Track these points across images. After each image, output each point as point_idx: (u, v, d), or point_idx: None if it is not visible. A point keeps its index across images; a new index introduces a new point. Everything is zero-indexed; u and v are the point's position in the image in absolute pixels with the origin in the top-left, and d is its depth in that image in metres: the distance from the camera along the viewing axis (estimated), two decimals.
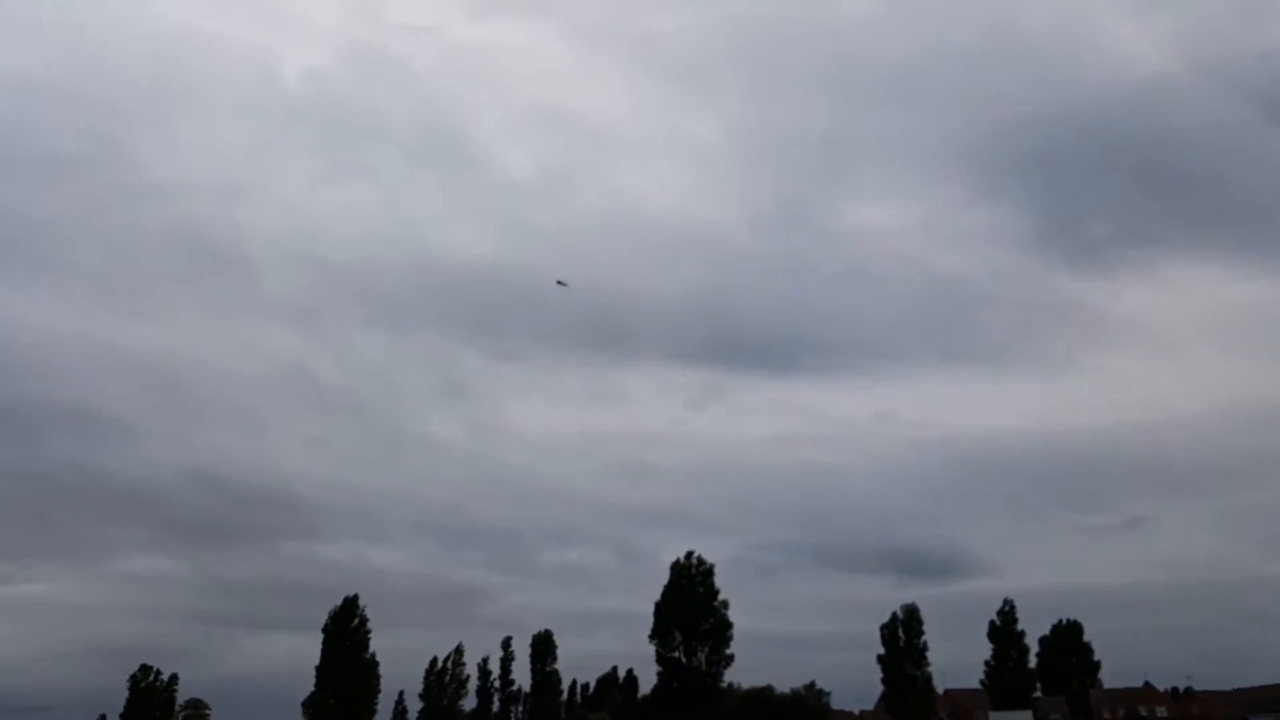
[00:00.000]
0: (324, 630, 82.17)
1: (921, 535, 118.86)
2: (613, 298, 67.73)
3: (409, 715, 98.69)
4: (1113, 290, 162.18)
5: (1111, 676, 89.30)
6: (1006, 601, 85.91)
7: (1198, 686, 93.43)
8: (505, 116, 57.84)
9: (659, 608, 74.84)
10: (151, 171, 49.29)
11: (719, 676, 74.68)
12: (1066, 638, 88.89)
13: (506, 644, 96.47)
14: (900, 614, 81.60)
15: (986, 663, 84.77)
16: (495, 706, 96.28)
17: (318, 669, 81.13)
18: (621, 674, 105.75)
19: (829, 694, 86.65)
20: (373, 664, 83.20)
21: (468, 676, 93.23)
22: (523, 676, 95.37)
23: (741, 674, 78.16)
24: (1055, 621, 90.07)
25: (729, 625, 74.63)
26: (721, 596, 74.54)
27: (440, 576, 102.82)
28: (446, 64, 55.34)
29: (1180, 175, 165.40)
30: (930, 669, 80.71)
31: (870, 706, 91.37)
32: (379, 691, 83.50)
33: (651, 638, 74.32)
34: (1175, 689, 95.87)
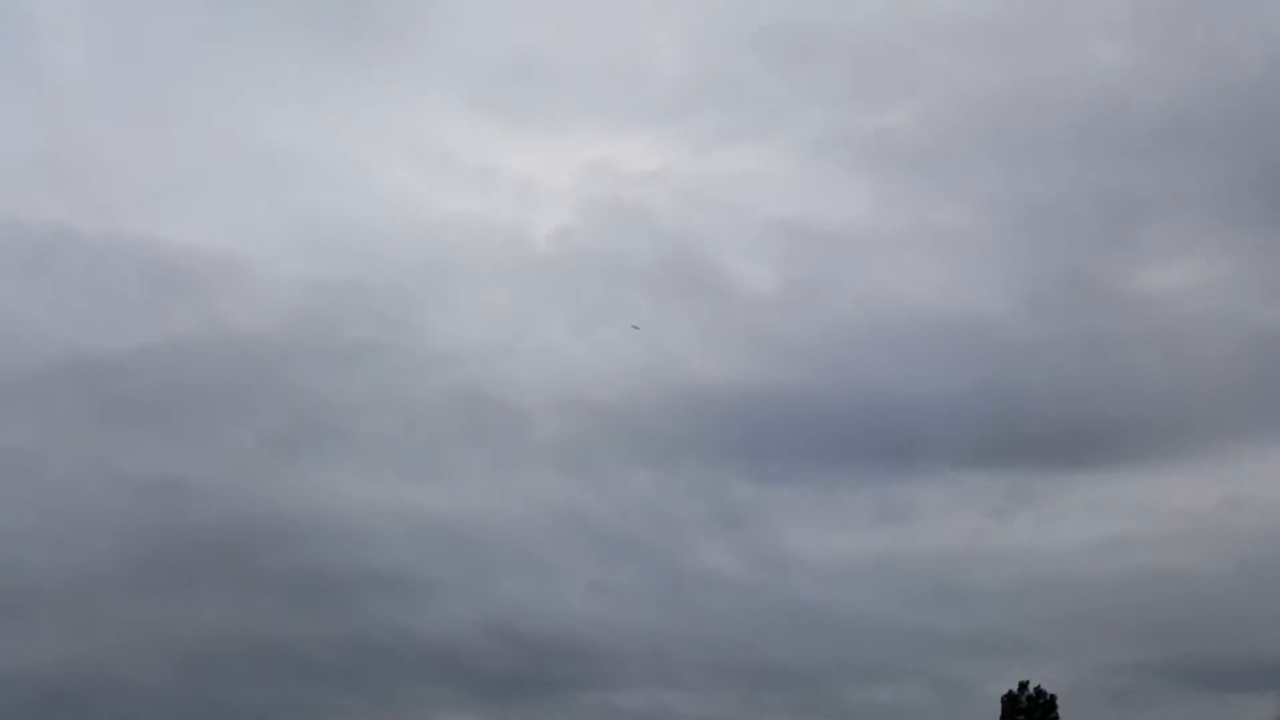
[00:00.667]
0: None
1: None
2: (885, 404, 63.58)
3: None
4: None
5: None
6: None
7: None
8: (743, 238, 58.19)
9: None
10: (433, 344, 52.96)
11: None
12: None
13: None
14: None
15: None
16: None
17: None
18: None
19: None
20: None
21: None
22: None
23: None
24: None
25: None
26: None
27: None
28: (679, 200, 56.91)
29: None
30: None
31: None
32: None
33: None
34: None
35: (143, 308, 41.21)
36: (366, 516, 43.70)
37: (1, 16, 45.59)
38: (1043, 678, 66.01)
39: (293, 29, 48.30)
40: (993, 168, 70.03)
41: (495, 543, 53.96)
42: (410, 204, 49.86)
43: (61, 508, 37.49)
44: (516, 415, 49.07)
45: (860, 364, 62.21)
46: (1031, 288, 71.73)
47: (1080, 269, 73.48)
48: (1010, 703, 68.71)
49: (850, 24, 57.28)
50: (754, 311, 59.20)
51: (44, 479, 37.99)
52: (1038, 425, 69.45)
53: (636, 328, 56.45)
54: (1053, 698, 70.80)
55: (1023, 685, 70.32)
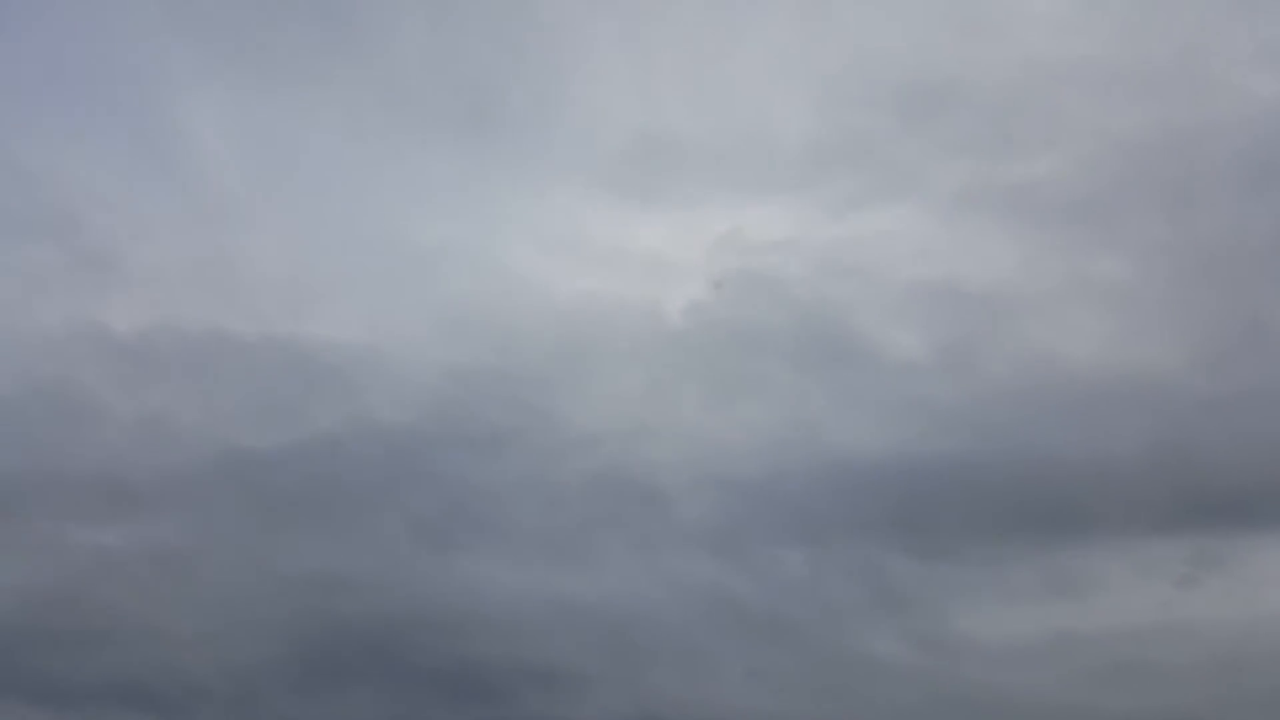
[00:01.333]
0: None
1: None
2: (1051, 470, 60.31)
3: None
4: None
5: None
6: None
7: None
8: (885, 302, 55.97)
9: None
10: (572, 427, 53.13)
11: None
12: None
13: None
14: None
15: None
16: None
17: None
18: None
19: None
20: None
21: None
22: None
23: None
24: None
25: None
26: None
27: None
28: (815, 267, 55.84)
29: None
30: None
31: None
32: None
33: None
34: None
35: (292, 404, 42.09)
36: (513, 606, 43.03)
37: (157, 131, 47.79)
38: None
39: (425, 129, 49.61)
40: (1151, 215, 66.16)
41: (645, 630, 52.35)
42: (544, 287, 50.32)
43: (218, 606, 37.96)
44: (659, 496, 48.10)
45: (1020, 428, 58.81)
46: (1204, 340, 66.95)
47: (1256, 317, 68.34)
48: None
49: (983, 76, 55.42)
50: (901, 378, 56.68)
51: (200, 578, 38.67)
52: (1221, 485, 64.16)
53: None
54: None
55: None
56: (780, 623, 51.16)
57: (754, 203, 57.26)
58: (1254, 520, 59.44)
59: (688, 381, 57.67)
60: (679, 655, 49.30)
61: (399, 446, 41.46)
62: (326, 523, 40.27)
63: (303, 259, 46.33)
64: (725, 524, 52.45)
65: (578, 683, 45.39)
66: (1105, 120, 62.80)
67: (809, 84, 59.17)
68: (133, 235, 45.00)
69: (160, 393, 41.35)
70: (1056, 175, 65.32)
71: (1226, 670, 57.06)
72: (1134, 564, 60.10)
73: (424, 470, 41.93)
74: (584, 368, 51.83)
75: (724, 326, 59.68)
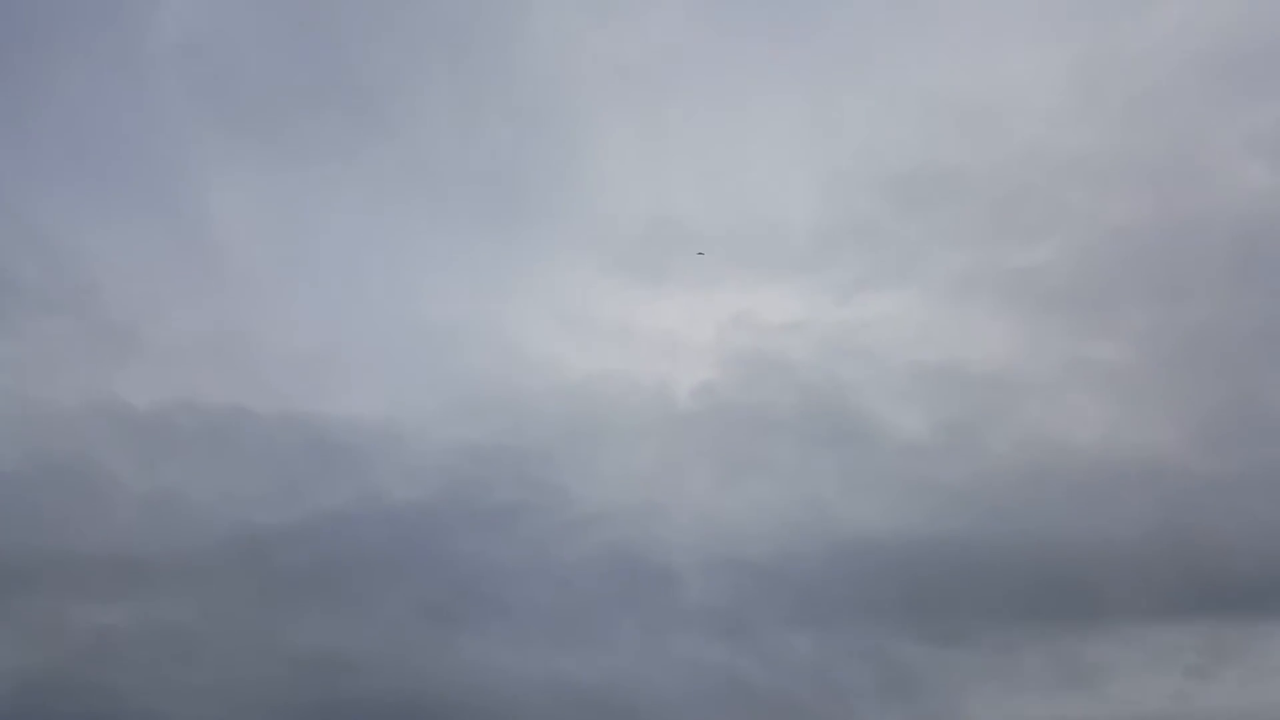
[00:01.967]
0: None
1: None
2: (1057, 553, 59.63)
3: None
4: None
5: None
6: None
7: None
8: (889, 384, 57.22)
9: None
10: (581, 505, 53.45)
11: None
12: None
13: None
14: None
15: None
16: None
17: None
18: None
19: None
20: None
21: None
22: None
23: None
24: None
25: None
26: None
27: None
28: (822, 349, 57.22)
29: None
30: None
31: None
32: None
33: None
34: None
35: (305, 482, 41.94)
36: (520, 687, 42.47)
37: (182, 207, 48.41)
38: None
39: (445, 210, 50.65)
40: (1148, 300, 67.21)
41: (653, 712, 51.59)
42: (557, 366, 50.79)
43: (221, 689, 37.29)
44: (668, 576, 47.86)
45: (1027, 511, 58.66)
46: (1204, 423, 67.22)
47: (1254, 399, 68.78)
48: None
49: (984, 166, 56.92)
50: (908, 458, 56.86)
51: (204, 659, 37.96)
52: (1231, 571, 63.67)
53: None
54: None
55: None
56: (789, 707, 50.35)
57: (762, 284, 58.02)
58: (1265, 607, 58.51)
59: (697, 460, 57.74)
60: None
61: (409, 524, 41.27)
62: (334, 602, 39.88)
63: (321, 336, 46.74)
64: (733, 605, 51.98)
65: None
66: (1102, 209, 64.16)
67: (816, 172, 60.54)
68: (154, 310, 45.21)
69: (174, 469, 41.14)
70: (1055, 262, 66.28)
71: None
72: (1144, 652, 59.03)
73: (433, 549, 41.75)
74: (595, 446, 51.97)
75: (733, 406, 60.03)
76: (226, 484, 40.61)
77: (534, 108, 52.03)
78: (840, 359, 61.63)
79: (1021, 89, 57.79)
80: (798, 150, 56.17)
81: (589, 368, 50.77)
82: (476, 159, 51.05)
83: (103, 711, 35.98)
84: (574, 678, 44.08)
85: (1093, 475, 65.70)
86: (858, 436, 60.90)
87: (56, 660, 36.34)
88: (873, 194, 55.41)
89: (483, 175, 50.70)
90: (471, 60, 52.37)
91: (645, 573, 48.22)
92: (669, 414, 54.11)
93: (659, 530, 49.89)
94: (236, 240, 47.20)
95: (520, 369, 47.79)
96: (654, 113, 54.12)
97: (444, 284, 48.59)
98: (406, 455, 42.75)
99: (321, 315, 47.03)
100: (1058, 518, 61.56)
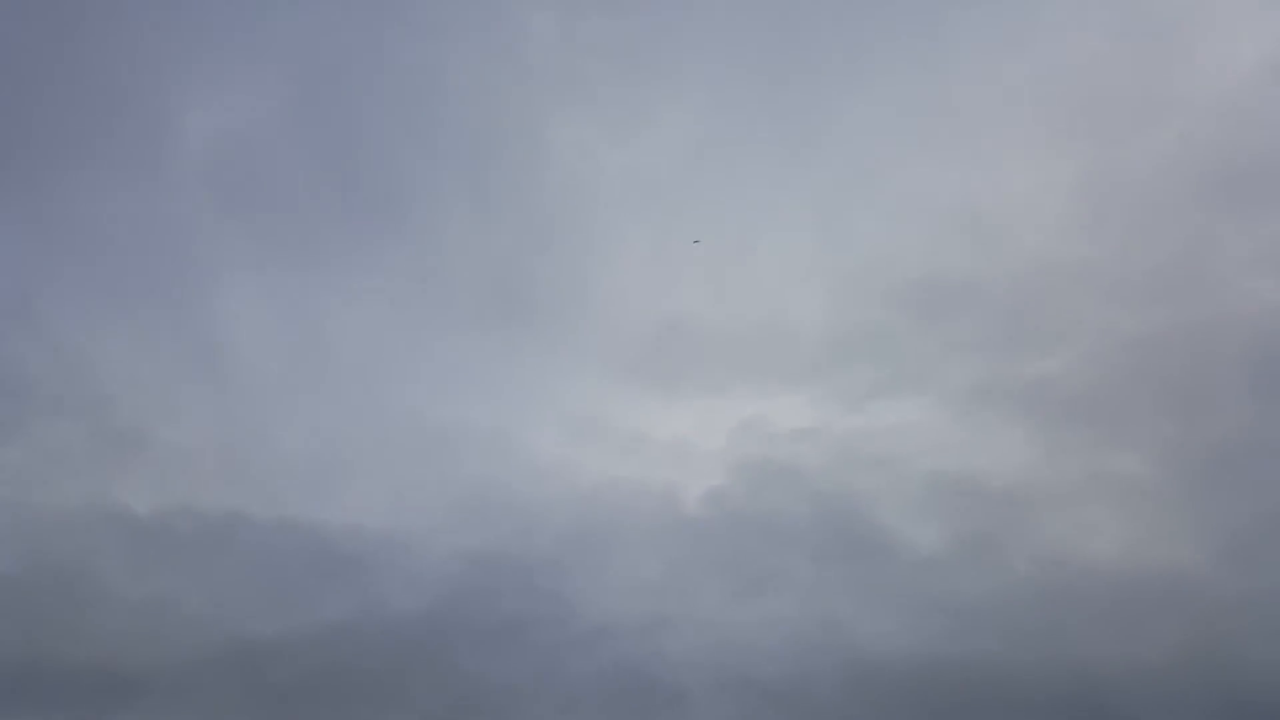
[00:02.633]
0: None
1: None
2: (1079, 673, 58.12)
3: None
4: None
5: None
6: None
7: None
8: (904, 495, 57.03)
9: None
10: (588, 618, 52.68)
11: None
12: None
13: None
14: None
15: None
16: None
17: None
18: None
19: None
20: None
21: None
22: None
23: None
24: None
25: None
26: None
27: None
28: (834, 458, 57.36)
29: None
30: None
31: None
32: None
33: None
34: None
35: (304, 591, 41.09)
36: None
37: (194, 314, 48.64)
38: None
39: (455, 315, 50.84)
40: (1162, 411, 66.43)
41: None
42: (564, 472, 50.24)
43: None
44: (676, 694, 46.44)
45: (1046, 630, 56.85)
46: (1225, 537, 65.58)
47: (1275, 513, 67.46)
48: None
49: (996, 276, 57.09)
50: (923, 573, 55.54)
51: None
52: (1263, 690, 61.33)
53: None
54: None
55: None
56: None
57: (773, 392, 57.80)
58: None
59: (707, 571, 56.55)
60: None
61: (410, 637, 40.19)
62: (329, 716, 38.67)
63: (326, 442, 46.39)
64: None
65: None
66: (1114, 319, 64.04)
67: (827, 280, 60.91)
68: (161, 416, 45.00)
69: (172, 576, 40.37)
70: (1071, 371, 65.78)
71: None
72: None
73: (435, 662, 40.60)
74: (602, 554, 51.08)
75: (743, 514, 59.02)
76: (223, 591, 39.79)
77: (548, 216, 52.75)
78: (852, 467, 60.87)
79: (1029, 200, 58.37)
80: (808, 259, 56.62)
81: (597, 474, 50.26)
82: (488, 265, 51.56)
83: None
84: None
85: (1115, 593, 63.63)
86: (872, 549, 59.61)
87: None
88: (883, 302, 55.53)
89: (494, 281, 51.11)
90: (487, 169, 53.38)
91: (653, 691, 46.71)
92: (678, 520, 53.32)
93: (667, 645, 48.54)
94: (244, 344, 47.33)
95: (526, 476, 47.29)
96: (666, 222, 54.81)
97: (452, 389, 48.48)
98: (408, 564, 41.90)
99: (326, 419, 46.80)
100: (1079, 637, 59.45)
